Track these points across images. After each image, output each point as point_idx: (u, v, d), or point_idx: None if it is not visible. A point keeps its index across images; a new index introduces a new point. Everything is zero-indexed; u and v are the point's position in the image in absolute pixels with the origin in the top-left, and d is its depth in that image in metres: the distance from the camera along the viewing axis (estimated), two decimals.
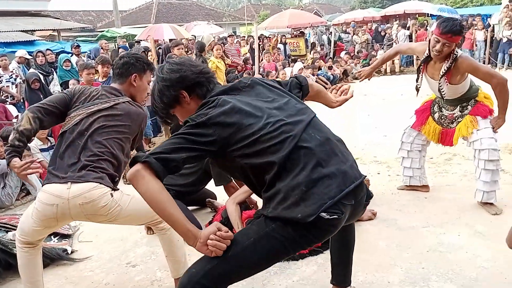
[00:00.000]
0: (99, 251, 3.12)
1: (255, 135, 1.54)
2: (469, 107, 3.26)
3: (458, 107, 3.30)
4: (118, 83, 2.44)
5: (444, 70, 3.07)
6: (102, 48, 9.64)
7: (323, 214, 1.46)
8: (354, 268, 2.45)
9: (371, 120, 6.73)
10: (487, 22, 12.52)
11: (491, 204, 3.21)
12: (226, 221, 3.00)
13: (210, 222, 3.23)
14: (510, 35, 10.82)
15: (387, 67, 12.56)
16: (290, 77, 2.02)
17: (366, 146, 5.34)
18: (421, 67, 3.28)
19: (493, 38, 11.52)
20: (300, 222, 1.46)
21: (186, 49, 8.44)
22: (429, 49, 3.10)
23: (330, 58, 11.87)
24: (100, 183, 2.12)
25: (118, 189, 2.22)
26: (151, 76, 2.56)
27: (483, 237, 2.82)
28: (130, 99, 2.40)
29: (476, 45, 11.99)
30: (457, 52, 3.04)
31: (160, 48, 9.12)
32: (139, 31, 15.28)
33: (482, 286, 2.30)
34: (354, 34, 14.89)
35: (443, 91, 3.19)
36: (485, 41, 11.71)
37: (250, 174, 1.59)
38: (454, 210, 3.26)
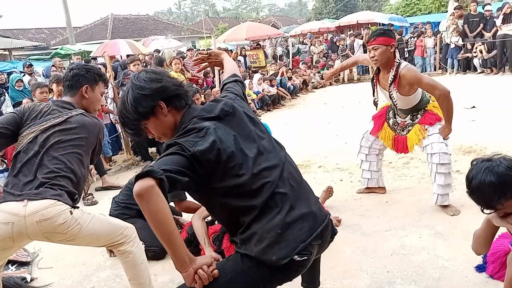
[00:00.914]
0: (60, 277, 2.99)
1: (239, 179, 1.53)
2: (419, 116, 3.41)
3: (409, 115, 3.46)
4: (69, 95, 2.36)
5: (391, 78, 3.21)
6: (55, 66, 9.34)
7: (295, 256, 1.50)
8: (322, 276, 2.48)
9: (332, 128, 6.87)
10: (436, 29, 13.14)
11: (449, 206, 3.34)
12: (192, 237, 2.97)
13: None
14: (457, 41, 11.40)
15: (345, 76, 12.92)
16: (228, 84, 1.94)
17: (328, 153, 5.44)
18: (374, 80, 3.44)
19: (442, 45, 12.10)
20: (274, 265, 1.50)
21: (144, 64, 8.32)
22: None
23: (290, 69, 12.05)
24: (59, 200, 2.05)
25: (77, 207, 2.15)
26: (104, 87, 2.50)
27: (443, 237, 2.92)
28: (84, 111, 2.33)
29: (426, 52, 12.55)
30: (398, 60, 3.20)
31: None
32: (95, 48, 14.97)
33: (444, 286, 2.38)
34: (311, 44, 15.23)
35: (394, 100, 3.33)
36: (435, 47, 12.28)
37: (228, 213, 1.59)
38: (414, 212, 3.37)
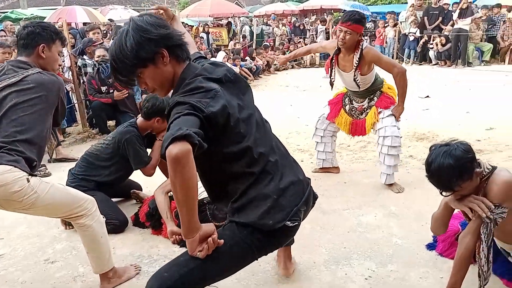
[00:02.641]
0: (12, 248, 2.87)
1: (242, 146, 1.53)
2: (375, 98, 3.57)
3: (366, 99, 3.60)
4: (25, 55, 2.21)
5: (356, 61, 3.31)
6: (4, 31, 8.73)
7: (288, 222, 1.56)
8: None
9: (294, 110, 6.95)
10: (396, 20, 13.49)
11: (394, 183, 3.57)
12: (154, 211, 2.93)
13: (136, 214, 3.13)
14: (415, 33, 11.78)
15: (307, 60, 13.04)
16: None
17: (289, 135, 5.51)
18: (333, 61, 3.51)
19: (401, 35, 12.47)
20: (270, 229, 1.55)
21: (105, 32, 7.97)
22: (338, 42, 3.35)
23: (254, 49, 11.99)
24: (15, 166, 1.95)
25: (35, 175, 2.05)
26: (62, 46, 2.35)
27: (396, 217, 3.07)
28: (41, 70, 2.18)
29: (386, 42, 12.89)
30: (362, 44, 3.31)
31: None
32: (49, 13, 14.12)
33: (398, 262, 2.51)
34: (275, 26, 15.20)
35: (358, 82, 3.43)
36: (395, 37, 12.64)
37: (225, 180, 1.57)
38: (371, 193, 3.52)
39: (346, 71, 3.44)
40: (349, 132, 3.77)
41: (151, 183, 3.69)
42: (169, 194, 2.97)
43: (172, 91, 1.60)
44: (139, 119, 3.26)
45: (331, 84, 3.71)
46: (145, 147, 3.23)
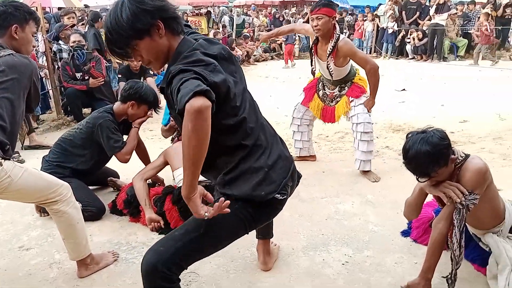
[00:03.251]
0: None
1: (238, 119, 1.56)
2: (346, 88, 3.65)
3: (338, 87, 3.67)
4: None
5: (330, 49, 3.36)
6: None
7: (277, 195, 1.62)
8: None
9: (273, 101, 6.97)
10: (374, 13, 13.63)
11: (370, 172, 3.64)
12: (132, 199, 2.91)
13: (113, 201, 3.09)
14: (393, 27, 11.95)
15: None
16: None
17: None
18: (312, 50, 3.57)
19: (379, 29, 12.62)
20: (261, 201, 1.61)
21: (80, 18, 7.77)
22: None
23: (234, 39, 11.92)
24: None
25: (8, 159, 1.99)
26: (35, 26, 2.26)
27: (372, 205, 3.14)
28: (13, 52, 2.10)
29: (365, 35, 13.03)
30: (338, 33, 3.35)
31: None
32: None
33: (374, 248, 2.57)
34: (255, 17, 15.15)
35: (331, 71, 3.48)
36: (373, 31, 12.79)
37: (219, 152, 1.58)
38: (348, 182, 3.58)
39: (323, 60, 3.49)
40: (320, 117, 3.85)
41: (128, 171, 3.65)
42: (147, 181, 2.95)
43: (167, 64, 1.59)
44: (116, 104, 3.21)
45: (313, 73, 3.76)
46: (121, 133, 3.17)
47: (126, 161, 3.13)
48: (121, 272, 2.39)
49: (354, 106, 3.56)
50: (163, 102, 2.47)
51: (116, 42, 1.50)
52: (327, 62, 3.43)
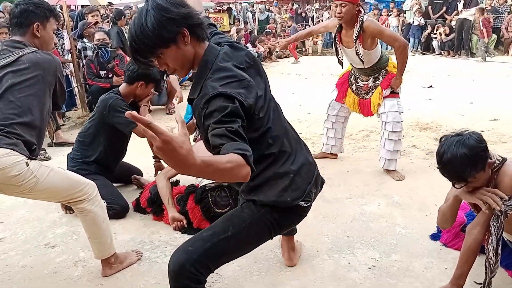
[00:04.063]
0: (12, 232, 2.85)
1: (264, 130, 1.57)
2: (381, 78, 3.54)
3: (372, 78, 3.57)
4: (19, 34, 2.13)
5: (356, 34, 3.26)
6: (3, 11, 8.59)
7: (301, 203, 1.65)
8: None
9: (296, 99, 6.89)
10: (399, 8, 13.35)
11: (395, 171, 3.55)
12: (155, 197, 2.91)
13: (137, 199, 3.10)
14: (420, 21, 11.66)
15: (309, 48, 12.92)
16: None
17: (291, 123, 5.41)
18: (336, 39, 3.47)
19: (405, 24, 12.34)
20: (286, 207, 1.64)
21: (104, 16, 7.86)
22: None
23: (257, 36, 11.86)
24: (14, 150, 1.91)
25: (34, 158, 2.01)
26: (56, 23, 2.27)
27: (400, 207, 3.05)
28: (36, 49, 2.11)
29: None
30: (362, 16, 3.26)
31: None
32: None
33: (401, 251, 2.48)
34: (277, 13, 15.04)
35: (361, 56, 3.37)
36: (398, 26, 12.51)
37: None
38: (373, 183, 3.48)
39: (350, 47, 3.39)
40: (359, 112, 3.75)
41: (152, 169, 3.67)
42: (170, 180, 2.94)
43: (193, 71, 1.59)
44: (122, 85, 3.18)
45: (340, 62, 3.66)
46: None
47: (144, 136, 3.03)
48: (144, 271, 2.39)
49: (385, 101, 3.46)
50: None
51: (141, 51, 1.47)
52: (356, 48, 3.33)
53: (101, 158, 3.11)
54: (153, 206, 2.94)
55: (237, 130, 1.33)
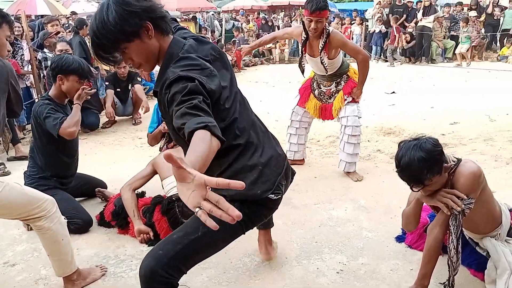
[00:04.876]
0: None
1: (230, 120, 1.56)
2: (343, 82, 3.65)
3: (334, 83, 3.67)
4: None
5: (322, 44, 3.38)
6: None
7: (271, 195, 1.62)
8: (254, 247, 2.53)
9: (264, 106, 6.91)
10: (362, 17, 13.71)
11: (354, 172, 3.67)
12: (120, 210, 2.83)
13: (101, 213, 3.01)
14: (381, 29, 12.00)
15: (276, 56, 13.04)
16: None
17: None
18: (303, 48, 3.56)
19: (367, 32, 12.67)
20: (256, 201, 1.62)
21: (66, 26, 7.67)
22: (305, 31, 3.40)
23: (223, 45, 11.87)
24: None
25: None
26: (9, 30, 2.19)
27: (366, 210, 3.10)
28: None
29: (352, 38, 13.06)
30: (328, 28, 3.38)
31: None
32: (7, 5, 13.49)
33: (368, 254, 2.52)
34: (246, 22, 15.12)
35: (326, 65, 3.48)
36: (361, 34, 12.83)
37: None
38: (340, 188, 3.53)
39: (315, 56, 3.49)
40: (319, 117, 3.83)
41: (116, 182, 3.58)
42: (136, 191, 2.88)
43: (158, 66, 1.57)
44: (52, 88, 3.07)
45: (302, 70, 3.77)
46: (65, 115, 2.94)
47: (70, 134, 2.86)
48: (109, 287, 2.31)
49: (346, 106, 3.57)
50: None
51: (103, 46, 1.45)
52: (321, 57, 3.43)
53: (56, 169, 3.02)
54: (118, 219, 2.86)
55: (196, 104, 1.30)
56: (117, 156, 4.60)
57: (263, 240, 2.38)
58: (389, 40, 11.45)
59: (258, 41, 4.16)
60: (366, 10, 13.43)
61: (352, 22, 13.14)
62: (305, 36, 3.44)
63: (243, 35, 13.12)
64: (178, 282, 1.56)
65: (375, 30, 12.17)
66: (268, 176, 1.63)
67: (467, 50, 10.86)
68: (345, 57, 3.88)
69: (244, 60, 11.95)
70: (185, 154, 1.68)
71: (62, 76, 2.94)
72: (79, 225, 2.82)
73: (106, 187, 3.48)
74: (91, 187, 3.39)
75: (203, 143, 1.20)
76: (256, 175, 1.59)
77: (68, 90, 2.99)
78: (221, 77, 1.53)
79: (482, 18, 11.95)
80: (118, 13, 1.40)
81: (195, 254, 1.59)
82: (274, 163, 1.67)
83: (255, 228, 1.88)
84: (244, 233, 1.69)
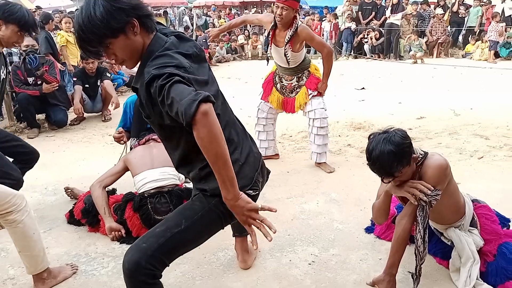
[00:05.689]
0: None
1: None
2: (304, 78, 3.74)
3: (295, 77, 3.75)
4: None
5: (289, 37, 3.45)
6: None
7: (250, 191, 1.65)
8: (227, 242, 2.55)
9: (236, 102, 6.90)
10: (332, 14, 13.87)
11: (325, 163, 3.79)
12: (90, 207, 2.78)
13: (70, 211, 2.95)
14: (351, 27, 12.20)
15: (248, 52, 13.05)
16: None
17: None
18: (269, 36, 3.61)
19: (338, 29, 12.85)
20: None
21: None
22: (274, 19, 3.47)
23: (194, 40, 11.78)
24: None
25: None
26: None
27: (337, 203, 3.16)
28: None
29: (323, 35, 13.21)
30: (298, 22, 3.46)
31: None
32: None
33: (339, 245, 2.58)
34: (218, 18, 15.05)
35: (288, 58, 3.55)
36: (331, 31, 12.99)
37: (194, 149, 1.53)
38: (312, 181, 3.59)
39: (279, 47, 3.55)
40: (281, 109, 3.90)
41: (86, 179, 3.51)
42: (106, 188, 2.83)
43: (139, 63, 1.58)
44: None
45: (267, 59, 3.84)
46: None
47: None
48: (80, 285, 2.28)
49: (311, 99, 3.66)
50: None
51: (89, 41, 1.46)
52: (285, 48, 3.50)
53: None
54: (88, 217, 2.81)
55: (178, 79, 1.36)
56: (86, 154, 4.51)
57: (239, 248, 2.40)
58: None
59: (227, 24, 4.18)
60: (336, 7, 13.59)
61: (323, 19, 13.27)
62: (273, 24, 3.51)
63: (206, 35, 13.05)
64: (161, 274, 1.59)
65: (345, 27, 12.35)
66: (246, 172, 1.66)
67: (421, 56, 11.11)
68: (308, 53, 3.97)
69: (216, 56, 11.93)
70: (167, 150, 1.74)
71: (1, 21, 2.64)
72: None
73: (35, 156, 3.10)
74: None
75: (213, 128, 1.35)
76: (236, 170, 1.60)
77: (6, 39, 2.70)
78: (202, 75, 1.56)
79: (447, 16, 12.34)
80: (106, 8, 1.42)
81: (177, 248, 1.62)
82: (252, 160, 1.71)
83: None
84: (223, 228, 1.73)
